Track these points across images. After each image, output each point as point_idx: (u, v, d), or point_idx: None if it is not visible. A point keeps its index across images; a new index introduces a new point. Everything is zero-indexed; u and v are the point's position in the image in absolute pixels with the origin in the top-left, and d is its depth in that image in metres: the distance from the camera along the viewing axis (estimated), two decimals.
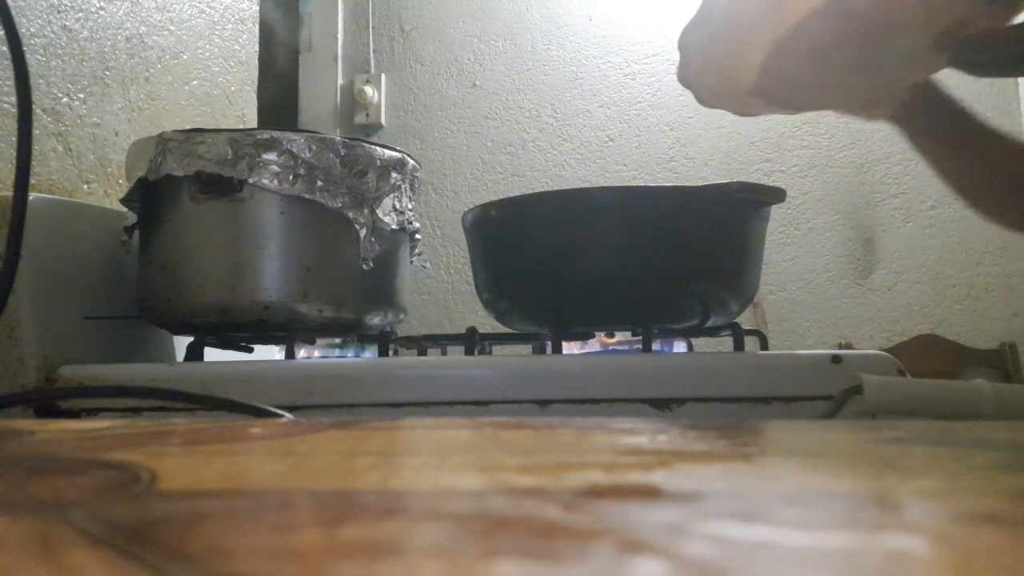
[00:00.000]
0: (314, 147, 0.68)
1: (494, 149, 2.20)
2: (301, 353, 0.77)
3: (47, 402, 0.62)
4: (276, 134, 0.68)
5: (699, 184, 0.70)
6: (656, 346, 0.76)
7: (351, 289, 0.72)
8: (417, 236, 0.80)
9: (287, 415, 0.41)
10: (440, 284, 2.17)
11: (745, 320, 0.75)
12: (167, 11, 1.03)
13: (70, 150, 0.85)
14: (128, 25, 0.95)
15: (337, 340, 0.90)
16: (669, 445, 0.27)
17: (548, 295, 0.71)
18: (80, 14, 0.87)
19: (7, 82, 0.75)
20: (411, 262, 0.81)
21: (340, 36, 2.27)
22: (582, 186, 0.85)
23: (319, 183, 0.68)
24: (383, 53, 2.27)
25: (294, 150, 0.67)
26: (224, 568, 0.13)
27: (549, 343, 0.74)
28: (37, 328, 0.67)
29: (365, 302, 0.73)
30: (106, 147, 0.90)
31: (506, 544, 0.14)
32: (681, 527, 0.15)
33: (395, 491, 0.20)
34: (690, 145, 2.16)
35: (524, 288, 0.73)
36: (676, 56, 0.61)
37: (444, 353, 0.90)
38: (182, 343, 0.77)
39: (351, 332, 0.78)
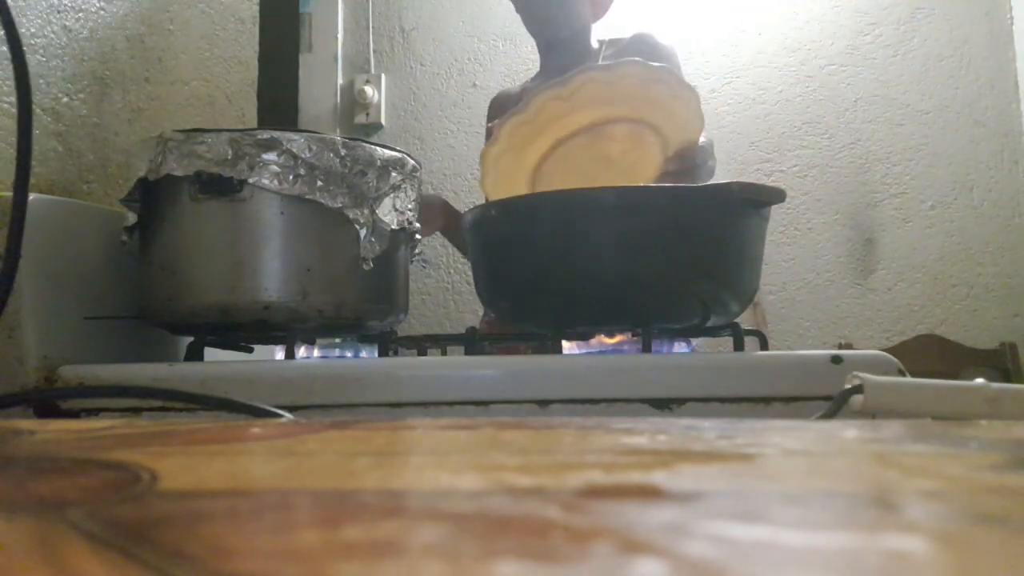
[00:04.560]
0: (314, 147, 0.68)
1: None
2: (301, 353, 0.77)
3: (47, 402, 0.62)
4: (276, 134, 0.68)
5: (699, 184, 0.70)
6: (656, 346, 0.76)
7: (351, 289, 0.72)
8: (417, 236, 0.80)
9: (287, 415, 0.41)
10: (440, 284, 2.17)
11: (745, 320, 0.75)
12: (167, 11, 1.03)
13: (70, 150, 0.85)
14: (128, 25, 0.95)
15: (337, 340, 0.90)
16: (669, 445, 0.27)
17: (548, 295, 0.71)
18: (80, 14, 0.87)
19: (7, 82, 0.75)
20: (411, 262, 0.81)
21: (340, 36, 2.27)
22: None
23: (319, 183, 0.68)
24: (383, 53, 2.27)
25: (294, 150, 0.67)
26: (224, 568, 0.13)
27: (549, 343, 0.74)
28: (37, 328, 0.67)
29: (365, 302, 0.73)
30: (106, 147, 0.90)
31: (506, 544, 0.14)
32: (681, 527, 0.15)
33: (395, 491, 0.20)
34: None
35: (524, 288, 0.73)
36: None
37: (444, 353, 0.90)
38: (182, 343, 0.77)
39: (351, 332, 0.78)
